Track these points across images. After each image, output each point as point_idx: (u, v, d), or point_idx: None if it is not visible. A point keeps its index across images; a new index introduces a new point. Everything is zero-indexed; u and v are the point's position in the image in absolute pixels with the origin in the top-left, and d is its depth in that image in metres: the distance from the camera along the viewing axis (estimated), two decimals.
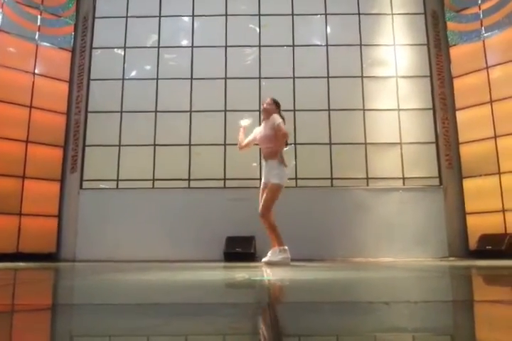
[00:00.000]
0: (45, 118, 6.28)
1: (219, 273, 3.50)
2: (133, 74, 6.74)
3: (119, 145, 6.41)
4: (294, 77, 6.57)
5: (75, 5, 6.82)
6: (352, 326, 1.16)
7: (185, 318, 1.28)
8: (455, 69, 6.54)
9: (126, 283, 2.59)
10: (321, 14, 6.84)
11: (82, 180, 6.35)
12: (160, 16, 6.86)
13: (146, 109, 6.51)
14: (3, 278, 3.13)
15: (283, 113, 4.81)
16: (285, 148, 4.62)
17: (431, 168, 6.33)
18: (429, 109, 6.51)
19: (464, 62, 6.47)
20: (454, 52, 6.60)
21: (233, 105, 6.46)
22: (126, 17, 6.85)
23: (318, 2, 6.84)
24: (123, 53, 6.77)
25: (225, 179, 6.27)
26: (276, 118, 4.52)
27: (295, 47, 6.70)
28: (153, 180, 6.32)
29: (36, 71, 6.35)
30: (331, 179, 6.27)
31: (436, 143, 6.39)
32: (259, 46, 6.72)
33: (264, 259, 4.33)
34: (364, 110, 6.46)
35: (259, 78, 6.59)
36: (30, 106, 6.18)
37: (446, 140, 6.38)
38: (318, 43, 6.77)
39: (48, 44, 6.52)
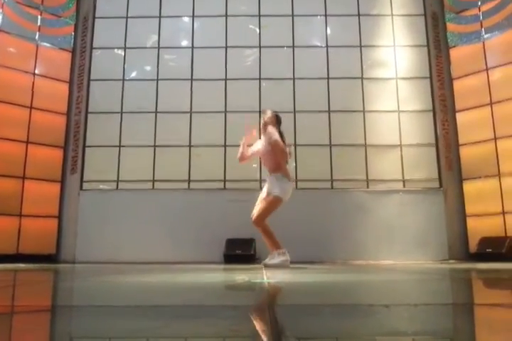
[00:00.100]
0: (45, 119, 6.28)
1: (219, 275, 3.50)
2: (133, 74, 6.74)
3: (119, 146, 6.41)
4: (294, 78, 6.57)
5: (75, 5, 6.83)
6: (352, 329, 1.16)
7: (185, 320, 1.28)
8: (455, 70, 6.55)
9: (126, 285, 2.59)
10: (320, 15, 6.85)
11: (82, 181, 6.35)
12: (160, 17, 6.87)
13: (147, 110, 6.51)
14: (3, 279, 3.13)
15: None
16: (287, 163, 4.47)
17: (431, 170, 6.33)
18: (429, 110, 6.51)
19: (464, 63, 6.47)
20: (453, 53, 6.61)
21: (233, 106, 6.46)
22: (127, 17, 6.85)
23: (318, 3, 6.85)
24: (123, 54, 6.78)
25: (225, 180, 6.27)
26: (271, 133, 4.35)
27: (295, 48, 6.71)
28: (154, 181, 6.32)
29: (36, 71, 6.35)
30: (331, 181, 6.27)
31: (436, 145, 6.39)
32: (260, 47, 6.72)
33: (263, 262, 4.33)
34: (364, 112, 6.46)
35: (259, 79, 6.60)
36: (31, 107, 6.18)
37: (446, 142, 6.38)
38: (318, 44, 6.78)
39: (48, 44, 6.53)
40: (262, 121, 4.63)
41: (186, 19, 6.94)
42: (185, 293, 2.07)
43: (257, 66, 6.66)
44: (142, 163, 6.37)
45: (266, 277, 3.01)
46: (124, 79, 6.66)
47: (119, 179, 6.34)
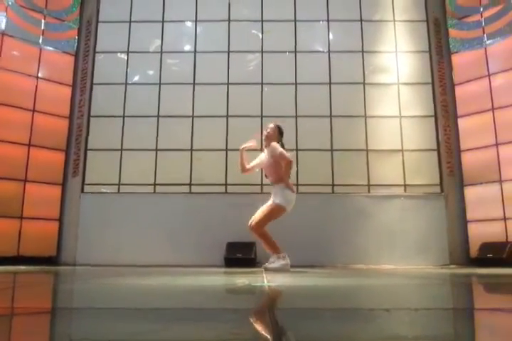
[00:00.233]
0: (47, 122, 6.30)
1: (219, 279, 3.49)
2: (136, 78, 6.76)
3: (121, 150, 6.42)
4: (296, 83, 6.59)
5: (78, 9, 6.86)
6: (352, 333, 1.16)
7: (185, 323, 1.28)
8: (457, 76, 6.55)
9: (126, 288, 2.58)
10: (323, 20, 6.87)
11: (83, 183, 6.35)
12: (163, 21, 6.90)
13: (149, 114, 6.53)
14: (4, 281, 3.13)
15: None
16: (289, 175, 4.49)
17: (432, 176, 6.32)
18: (431, 116, 6.51)
19: (466, 69, 6.48)
20: (455, 59, 6.62)
21: (235, 110, 6.48)
22: (130, 21, 6.89)
23: (320, 8, 6.88)
24: (126, 58, 6.80)
25: (226, 184, 6.27)
26: (275, 147, 4.40)
27: (297, 54, 6.73)
28: (155, 184, 6.32)
29: (39, 75, 6.38)
30: (332, 185, 6.27)
31: (438, 150, 6.39)
32: (262, 52, 6.74)
33: (264, 265, 4.33)
34: (366, 117, 6.47)
35: (262, 84, 6.61)
36: (33, 110, 6.20)
37: (447, 147, 6.38)
38: (321, 49, 6.80)
39: (51, 48, 6.56)
40: (264, 133, 4.66)
41: (189, 24, 6.96)
42: (186, 296, 2.07)
43: (259, 71, 6.68)
44: (144, 166, 6.38)
45: (266, 281, 3.01)
46: (126, 83, 6.69)
47: (121, 182, 6.34)
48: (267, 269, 4.21)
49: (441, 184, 6.28)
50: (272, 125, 4.64)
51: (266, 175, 4.68)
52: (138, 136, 6.48)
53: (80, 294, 2.26)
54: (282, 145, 4.54)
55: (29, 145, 6.10)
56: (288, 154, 4.44)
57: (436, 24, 6.79)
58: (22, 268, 4.81)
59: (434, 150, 6.41)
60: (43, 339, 1.14)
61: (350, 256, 5.85)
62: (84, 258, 5.92)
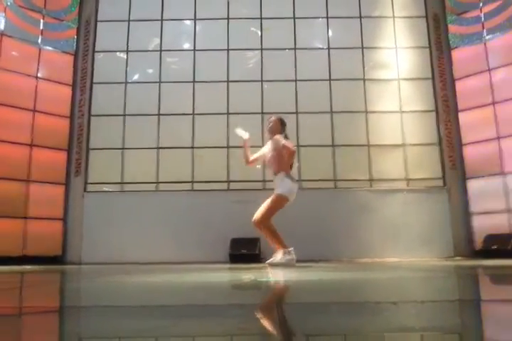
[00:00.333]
0: (48, 122, 6.30)
1: (225, 275, 3.50)
2: (135, 77, 6.76)
3: (123, 149, 6.43)
4: (296, 80, 6.58)
5: (77, 9, 6.85)
6: (360, 326, 1.16)
7: (192, 319, 1.29)
8: (457, 71, 6.54)
9: (132, 285, 2.59)
10: (322, 17, 6.85)
11: (86, 183, 6.36)
12: (162, 20, 6.89)
13: (149, 112, 6.53)
14: (11, 281, 3.14)
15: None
16: (291, 167, 4.52)
17: (434, 169, 6.33)
18: (432, 110, 6.51)
19: (466, 64, 6.47)
20: (455, 54, 6.61)
21: (235, 108, 6.48)
22: (129, 20, 6.87)
23: (319, 5, 6.86)
24: (125, 57, 6.80)
25: (228, 181, 6.28)
26: (278, 140, 4.42)
27: (297, 50, 6.71)
28: (157, 182, 6.33)
29: (39, 75, 6.38)
30: (335, 181, 6.27)
31: (440, 144, 6.39)
32: (261, 49, 6.73)
33: (268, 261, 4.33)
34: (366, 112, 6.47)
35: (261, 81, 6.61)
36: (34, 110, 6.20)
37: (449, 141, 6.38)
38: (320, 46, 6.79)
39: (50, 48, 6.55)
40: (267, 125, 4.68)
41: (188, 22, 6.95)
42: (192, 293, 2.07)
43: (258, 68, 6.67)
44: (146, 164, 6.39)
45: (272, 276, 3.02)
46: (126, 82, 6.69)
47: (123, 181, 6.35)
48: (272, 264, 4.21)
49: (443, 177, 6.29)
50: (273, 118, 4.66)
51: (269, 166, 4.69)
52: (139, 134, 6.49)
53: (86, 292, 2.27)
54: (286, 137, 4.55)
55: (31, 145, 6.11)
56: (291, 145, 4.46)
57: (435, 20, 6.77)
58: (28, 267, 4.83)
59: (435, 144, 6.41)
60: (53, 337, 1.15)
61: (355, 250, 5.86)
62: (89, 257, 5.94)
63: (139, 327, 1.17)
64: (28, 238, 5.88)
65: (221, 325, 1.18)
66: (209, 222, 6.02)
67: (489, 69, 6.24)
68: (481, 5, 6.46)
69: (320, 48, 6.77)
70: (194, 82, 6.64)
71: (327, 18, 6.84)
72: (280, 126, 4.60)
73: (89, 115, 6.57)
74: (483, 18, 6.42)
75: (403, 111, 6.49)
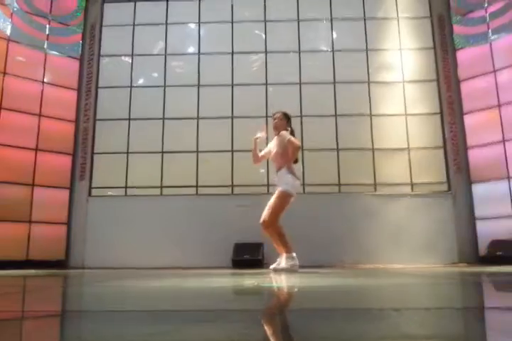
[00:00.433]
0: (53, 127, 6.34)
1: (228, 280, 3.49)
2: (140, 81, 6.79)
3: (127, 153, 6.45)
4: (300, 83, 6.59)
5: (82, 14, 6.90)
6: (363, 333, 1.15)
7: (195, 324, 1.28)
8: (462, 72, 6.51)
9: (135, 290, 2.59)
10: (326, 19, 6.86)
11: (90, 187, 6.39)
12: (167, 24, 6.93)
13: (154, 116, 6.55)
14: (14, 284, 3.15)
15: (293, 125, 4.73)
16: (295, 163, 4.51)
17: (439, 173, 6.29)
18: (437, 113, 6.49)
19: (471, 65, 6.43)
20: (460, 55, 6.58)
21: (240, 111, 6.49)
22: (133, 25, 6.92)
23: (323, 7, 6.87)
24: (130, 61, 6.83)
25: (232, 185, 6.28)
26: (284, 135, 4.43)
27: (301, 53, 6.72)
28: (161, 187, 6.34)
29: (45, 79, 6.42)
30: (339, 185, 6.25)
31: (444, 147, 6.36)
32: (266, 52, 6.75)
33: (272, 266, 4.31)
34: (371, 115, 6.45)
35: (266, 84, 6.62)
36: (40, 115, 6.24)
37: (454, 144, 6.34)
38: (324, 49, 6.79)
39: (56, 53, 6.60)
40: (272, 122, 4.68)
41: (192, 26, 6.99)
42: (195, 298, 2.07)
43: (263, 71, 6.68)
44: (150, 169, 6.40)
45: (275, 281, 3.01)
46: (131, 86, 6.72)
47: (128, 185, 6.37)
48: (275, 270, 4.20)
49: (448, 181, 6.25)
50: (278, 114, 4.64)
51: (273, 161, 4.68)
52: (144, 138, 6.51)
53: (90, 297, 2.27)
54: (292, 131, 4.55)
55: (36, 149, 6.14)
56: (296, 140, 4.46)
57: (440, 20, 6.75)
58: (32, 272, 4.83)
59: (440, 147, 6.37)
60: None
61: (359, 256, 5.82)
62: (92, 262, 5.95)
63: (143, 332, 1.17)
64: (32, 242, 5.89)
65: (224, 330, 1.18)
66: (213, 226, 6.01)
67: (494, 71, 6.20)
68: (486, 5, 6.43)
69: (324, 51, 6.77)
70: (199, 85, 6.66)
71: (331, 20, 6.85)
72: (285, 122, 4.60)
73: (95, 119, 6.60)
74: (488, 18, 6.40)
75: (408, 114, 6.47)
